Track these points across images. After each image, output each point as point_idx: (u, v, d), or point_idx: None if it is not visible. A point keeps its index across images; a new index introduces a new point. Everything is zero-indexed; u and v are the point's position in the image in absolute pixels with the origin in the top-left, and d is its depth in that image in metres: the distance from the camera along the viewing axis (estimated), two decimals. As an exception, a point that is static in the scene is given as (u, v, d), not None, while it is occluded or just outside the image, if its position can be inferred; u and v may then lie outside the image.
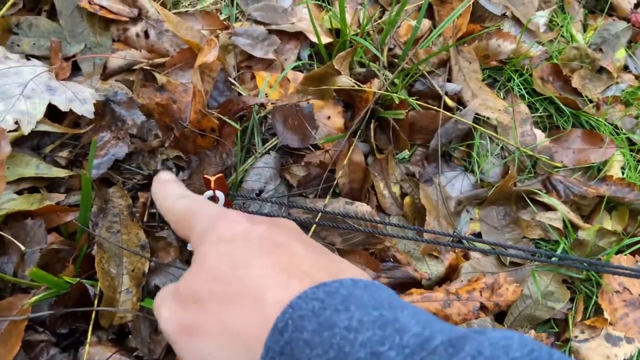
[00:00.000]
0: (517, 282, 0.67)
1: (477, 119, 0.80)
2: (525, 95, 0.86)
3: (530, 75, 0.87)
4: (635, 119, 0.88)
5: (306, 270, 0.26)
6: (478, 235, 0.76)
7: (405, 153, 0.76)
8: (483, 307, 0.65)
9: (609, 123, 0.86)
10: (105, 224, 0.57)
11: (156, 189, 0.37)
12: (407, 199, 0.72)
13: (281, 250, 0.27)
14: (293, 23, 0.80)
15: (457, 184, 0.78)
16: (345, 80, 0.71)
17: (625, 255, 0.73)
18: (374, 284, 0.25)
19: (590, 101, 0.88)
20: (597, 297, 0.69)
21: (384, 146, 0.76)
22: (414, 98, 0.76)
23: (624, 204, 0.79)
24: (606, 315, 0.66)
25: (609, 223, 0.78)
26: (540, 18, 0.92)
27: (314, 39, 0.75)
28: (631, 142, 0.87)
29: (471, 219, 0.78)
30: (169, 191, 0.36)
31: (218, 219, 0.30)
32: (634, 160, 0.85)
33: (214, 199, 0.44)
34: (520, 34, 0.85)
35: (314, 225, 0.64)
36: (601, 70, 0.93)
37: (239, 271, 0.26)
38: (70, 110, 0.60)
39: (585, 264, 0.62)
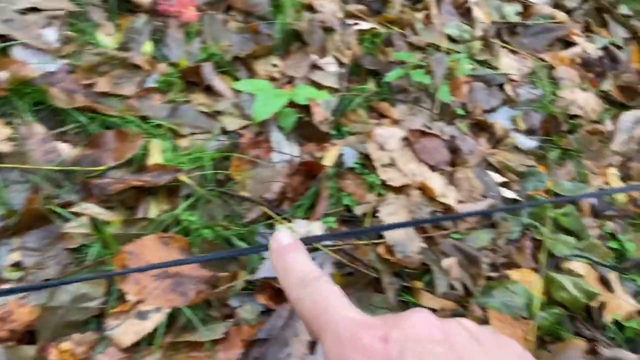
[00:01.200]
0: (38, 300, 0.69)
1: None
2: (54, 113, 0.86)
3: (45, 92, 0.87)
4: (173, 103, 0.97)
5: None
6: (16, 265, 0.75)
7: None
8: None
9: (139, 115, 0.93)
10: None
11: (275, 261, 0.31)
12: None
13: None
14: None
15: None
16: None
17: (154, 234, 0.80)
18: None
19: (127, 98, 0.95)
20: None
21: None
22: None
23: (163, 187, 0.87)
24: (131, 296, 0.73)
25: (155, 208, 0.86)
26: (49, 34, 0.94)
27: None
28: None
29: (12, 249, 0.77)
30: (288, 269, 0.30)
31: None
32: (173, 143, 0.94)
33: None
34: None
35: None
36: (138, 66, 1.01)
37: None
38: None
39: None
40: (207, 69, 0.98)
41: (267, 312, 0.80)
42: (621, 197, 1.19)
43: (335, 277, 0.87)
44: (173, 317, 0.74)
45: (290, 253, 0.30)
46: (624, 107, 1.43)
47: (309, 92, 0.95)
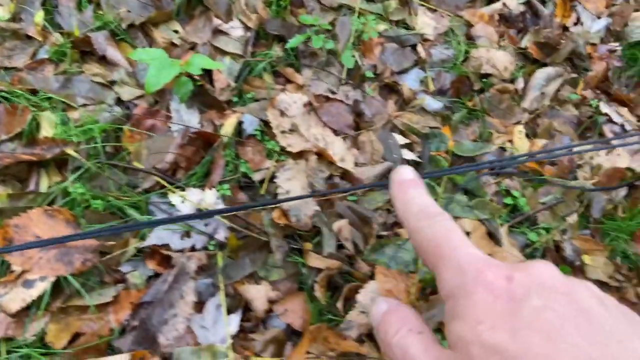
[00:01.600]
0: None
1: None
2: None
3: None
4: (65, 74, 0.98)
5: None
6: None
7: None
8: None
9: (29, 89, 0.94)
10: None
11: (395, 193, 0.30)
12: None
13: None
14: None
15: None
16: None
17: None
18: None
19: (19, 70, 0.95)
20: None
21: None
22: None
23: (53, 160, 0.89)
24: (16, 267, 0.77)
25: (46, 181, 0.89)
26: None
27: None
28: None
29: None
30: (409, 200, 0.29)
31: (512, 269, 0.23)
32: (64, 115, 0.95)
33: None
34: None
35: None
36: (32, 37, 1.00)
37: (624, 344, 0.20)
38: None
39: None
40: (99, 38, 0.98)
41: (155, 276, 0.86)
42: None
43: (231, 240, 0.93)
44: (60, 284, 0.79)
45: (412, 187, 0.30)
46: (541, 64, 1.47)
47: (204, 62, 0.96)
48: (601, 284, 1.19)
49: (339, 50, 1.12)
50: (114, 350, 0.78)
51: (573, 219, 1.23)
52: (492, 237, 1.12)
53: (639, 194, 1.32)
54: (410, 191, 0.30)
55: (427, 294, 1.01)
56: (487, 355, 0.21)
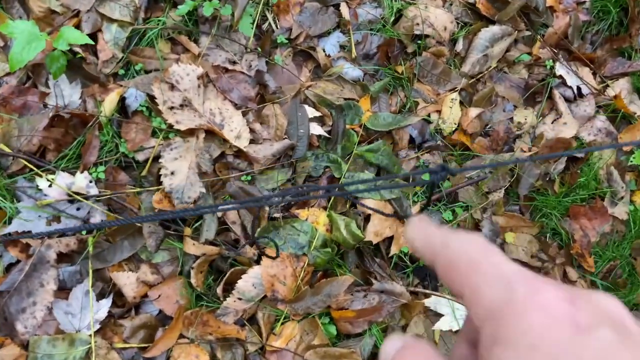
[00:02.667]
0: None
1: None
2: None
3: None
4: None
5: None
6: None
7: None
8: None
9: None
10: None
11: (414, 230, 0.26)
12: None
13: None
14: None
15: None
16: None
17: None
18: None
19: None
20: None
21: None
22: None
23: None
24: None
25: None
26: None
27: None
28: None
29: None
30: (430, 234, 0.25)
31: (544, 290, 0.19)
32: None
33: None
34: None
35: None
36: None
37: None
38: None
39: None
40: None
41: (17, 263, 0.85)
42: (449, 126, 1.17)
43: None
44: None
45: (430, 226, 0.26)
46: (491, 22, 1.34)
47: (74, 36, 0.90)
48: (522, 264, 1.14)
49: (236, 17, 1.03)
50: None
51: (499, 195, 1.16)
52: (401, 219, 1.07)
53: (579, 167, 1.22)
54: (430, 228, 0.25)
55: (318, 277, 0.98)
56: None
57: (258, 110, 1.07)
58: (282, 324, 0.93)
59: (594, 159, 1.22)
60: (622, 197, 1.21)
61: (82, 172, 0.90)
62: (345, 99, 1.12)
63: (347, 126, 1.11)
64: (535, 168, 1.18)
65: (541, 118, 1.28)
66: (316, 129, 1.08)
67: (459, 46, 1.27)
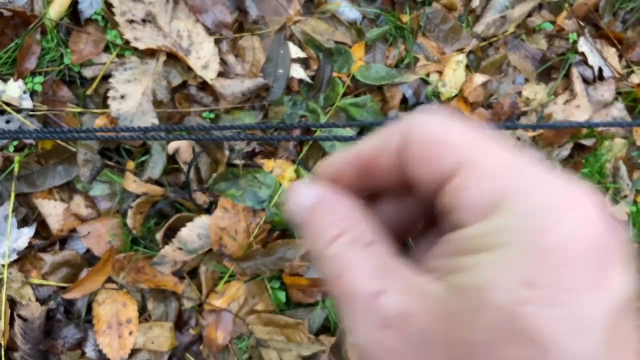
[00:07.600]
0: None
1: None
2: None
3: None
4: None
5: None
6: None
7: None
8: None
9: None
10: None
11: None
12: None
13: None
14: None
15: None
16: None
17: None
18: None
19: None
20: None
21: None
22: None
23: None
24: None
25: None
26: None
27: None
28: None
29: None
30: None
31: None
32: None
33: None
34: None
35: None
36: None
37: None
38: None
39: None
40: None
41: None
42: (448, 90, 1.04)
43: (45, 143, 0.79)
44: None
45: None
46: (516, -21, 1.17)
47: None
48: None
49: None
50: None
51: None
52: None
53: (584, 156, 1.10)
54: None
55: (274, 237, 0.88)
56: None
57: (233, 40, 0.93)
58: (226, 282, 0.84)
59: (603, 150, 1.10)
60: (625, 196, 1.10)
61: (16, 80, 0.78)
62: (336, 42, 0.98)
63: (334, 74, 0.97)
64: (536, 151, 1.06)
65: (553, 97, 1.14)
66: (298, 72, 0.95)
67: (475, 2, 1.11)
